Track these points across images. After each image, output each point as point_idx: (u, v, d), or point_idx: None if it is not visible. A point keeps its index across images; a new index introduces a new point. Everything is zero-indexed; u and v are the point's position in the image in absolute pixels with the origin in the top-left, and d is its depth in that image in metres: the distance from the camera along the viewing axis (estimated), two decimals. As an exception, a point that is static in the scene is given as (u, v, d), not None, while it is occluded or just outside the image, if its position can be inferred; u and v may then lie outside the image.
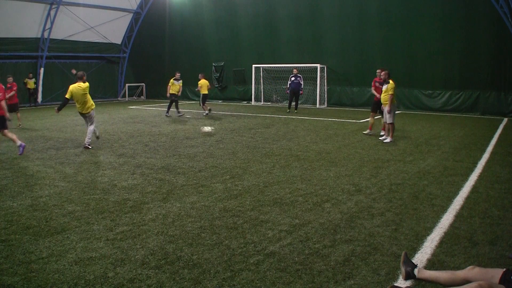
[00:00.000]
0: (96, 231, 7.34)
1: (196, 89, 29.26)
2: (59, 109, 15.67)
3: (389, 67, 28.72)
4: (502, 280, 5.02)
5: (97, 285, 5.50)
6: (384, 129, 17.78)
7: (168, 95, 27.21)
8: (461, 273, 5.30)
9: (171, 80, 27.06)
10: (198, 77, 28.25)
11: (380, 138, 17.39)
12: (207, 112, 27.83)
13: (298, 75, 29.34)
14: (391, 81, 16.78)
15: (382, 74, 17.49)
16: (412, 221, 7.91)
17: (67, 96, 15.49)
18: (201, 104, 28.25)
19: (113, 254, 6.41)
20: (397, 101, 17.72)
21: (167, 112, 27.37)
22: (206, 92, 28.01)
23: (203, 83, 27.72)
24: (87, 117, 15.85)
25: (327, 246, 6.76)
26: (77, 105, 15.78)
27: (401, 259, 5.80)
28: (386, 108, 16.86)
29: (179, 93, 27.58)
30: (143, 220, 7.90)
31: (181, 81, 27.50)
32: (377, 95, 18.34)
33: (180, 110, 27.46)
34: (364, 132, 18.97)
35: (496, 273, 5.14)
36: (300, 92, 29.45)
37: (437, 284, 5.40)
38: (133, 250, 6.58)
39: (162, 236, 7.13)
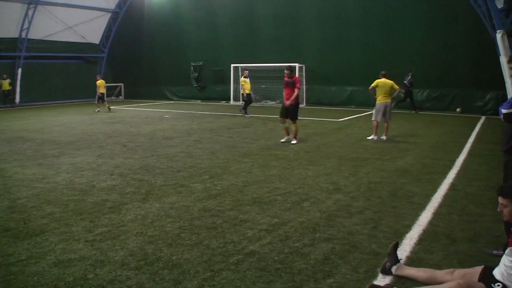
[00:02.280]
0: (75, 233, 7.30)
1: (98, 94, 31.47)
2: None
3: (369, 66, 29.04)
4: (482, 278, 5.08)
5: (77, 287, 5.48)
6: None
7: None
8: (440, 274, 5.35)
9: (243, 78, 26.80)
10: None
11: (382, 137, 17.28)
12: (101, 109, 30.87)
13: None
14: (383, 79, 17.08)
15: (286, 72, 16.70)
16: (391, 219, 7.96)
17: None
18: (102, 101, 31.26)
19: (92, 256, 6.39)
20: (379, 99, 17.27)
21: (246, 112, 27.00)
22: (103, 91, 31.47)
23: (101, 83, 31.42)
24: None
25: (307, 245, 6.79)
26: None
27: (389, 248, 5.90)
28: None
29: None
30: (122, 221, 7.88)
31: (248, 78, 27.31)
32: (285, 99, 16.65)
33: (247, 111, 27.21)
34: (282, 140, 16.77)
35: (475, 272, 5.21)
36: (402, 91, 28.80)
37: (415, 282, 5.45)
38: (113, 251, 6.57)
39: (141, 237, 7.12)
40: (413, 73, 27.91)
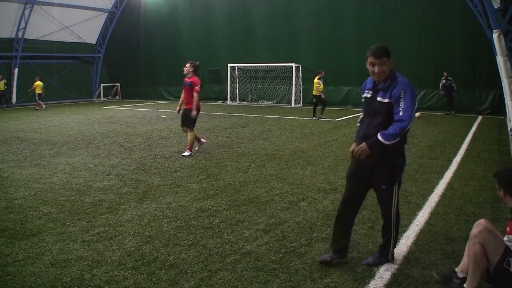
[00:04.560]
0: (72, 233, 7.29)
1: (29, 89, 34.10)
2: None
3: (365, 66, 28.97)
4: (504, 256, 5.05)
5: (74, 287, 5.48)
6: None
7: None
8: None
9: (316, 79, 25.24)
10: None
11: None
12: (43, 107, 32.94)
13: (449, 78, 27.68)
14: None
15: (185, 69, 14.43)
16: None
17: None
18: (38, 101, 33.28)
19: (89, 256, 6.38)
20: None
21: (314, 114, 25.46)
22: (40, 91, 33.29)
23: (38, 84, 33.23)
24: None
25: (304, 245, 6.79)
26: None
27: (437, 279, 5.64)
28: None
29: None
30: (119, 221, 7.87)
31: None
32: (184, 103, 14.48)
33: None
34: (184, 154, 14.34)
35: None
36: (453, 94, 27.94)
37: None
38: (110, 251, 6.56)
39: (138, 237, 7.11)
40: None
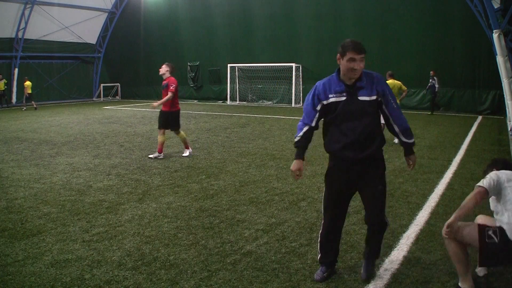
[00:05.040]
0: (72, 233, 7.29)
1: (26, 95, 34.28)
2: None
3: (365, 66, 29.02)
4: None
5: (74, 287, 5.48)
6: None
7: None
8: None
9: None
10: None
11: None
12: (24, 108, 33.66)
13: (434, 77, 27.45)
14: (390, 80, 16.69)
15: (161, 70, 13.98)
16: (388, 219, 7.94)
17: None
18: (28, 101, 34.07)
19: (89, 256, 6.38)
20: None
21: None
22: (30, 91, 34.20)
23: (28, 84, 34.09)
24: None
25: (304, 245, 6.80)
26: None
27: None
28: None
29: None
30: (119, 221, 7.87)
31: None
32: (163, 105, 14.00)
33: None
34: (150, 156, 14.09)
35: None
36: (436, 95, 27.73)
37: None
38: (110, 251, 6.56)
39: (138, 237, 7.11)
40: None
